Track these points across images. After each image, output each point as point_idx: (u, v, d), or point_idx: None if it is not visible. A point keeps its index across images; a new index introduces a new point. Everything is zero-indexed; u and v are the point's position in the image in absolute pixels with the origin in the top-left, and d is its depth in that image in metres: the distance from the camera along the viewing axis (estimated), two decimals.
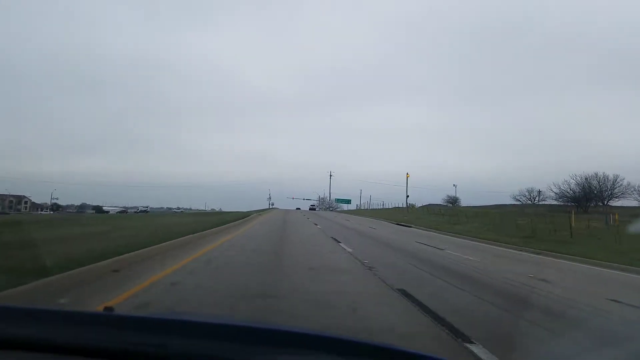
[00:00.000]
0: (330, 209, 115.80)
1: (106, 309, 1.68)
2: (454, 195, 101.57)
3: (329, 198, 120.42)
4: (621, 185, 68.71)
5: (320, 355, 1.32)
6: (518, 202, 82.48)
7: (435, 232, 29.90)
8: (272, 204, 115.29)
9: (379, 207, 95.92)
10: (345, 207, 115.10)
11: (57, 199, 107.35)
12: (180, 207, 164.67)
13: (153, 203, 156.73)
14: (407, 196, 69.41)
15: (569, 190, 71.96)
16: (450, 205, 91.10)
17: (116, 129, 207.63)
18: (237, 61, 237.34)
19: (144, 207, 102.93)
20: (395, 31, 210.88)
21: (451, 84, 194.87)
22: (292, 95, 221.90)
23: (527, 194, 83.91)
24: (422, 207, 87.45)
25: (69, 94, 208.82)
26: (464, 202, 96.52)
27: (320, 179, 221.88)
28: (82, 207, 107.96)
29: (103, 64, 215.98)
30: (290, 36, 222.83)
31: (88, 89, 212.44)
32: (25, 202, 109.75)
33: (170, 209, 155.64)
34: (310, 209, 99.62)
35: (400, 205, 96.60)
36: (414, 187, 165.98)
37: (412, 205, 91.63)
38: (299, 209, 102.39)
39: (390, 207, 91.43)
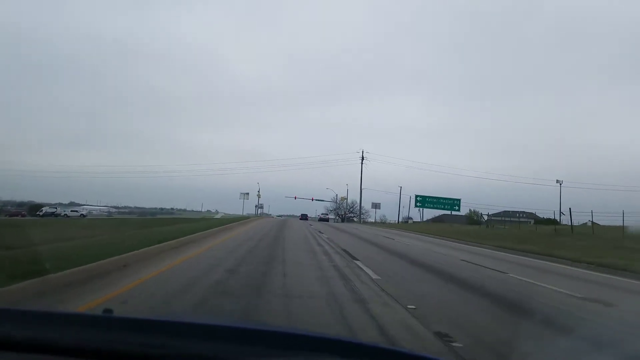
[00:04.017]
0: (350, 216, 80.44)
1: (105, 310, 1.65)
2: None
3: (359, 196, 73.86)
4: None
5: (320, 356, 1.31)
6: None
7: None
8: (261, 207, 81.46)
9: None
10: (377, 216, 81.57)
11: None
12: (175, 207, 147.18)
13: (147, 203, 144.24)
14: None
15: None
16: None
17: (101, 121, 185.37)
18: (225, 51, 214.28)
19: (51, 207, 72.96)
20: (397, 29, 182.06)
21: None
22: (287, 87, 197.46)
23: None
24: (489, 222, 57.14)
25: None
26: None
27: (331, 177, 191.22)
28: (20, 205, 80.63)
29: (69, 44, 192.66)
30: (285, 26, 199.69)
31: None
32: None
33: (162, 209, 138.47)
34: (320, 219, 66.56)
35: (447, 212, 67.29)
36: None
37: (476, 212, 61.88)
38: (306, 217, 66.82)
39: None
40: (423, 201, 59.95)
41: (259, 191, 79.11)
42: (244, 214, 72.87)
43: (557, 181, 46.53)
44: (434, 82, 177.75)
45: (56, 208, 69.47)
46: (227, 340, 1.37)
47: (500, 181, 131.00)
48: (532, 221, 54.22)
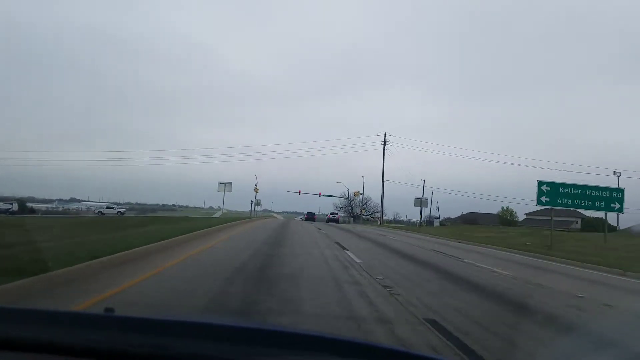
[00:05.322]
0: (365, 215, 71.78)
1: (107, 310, 1.64)
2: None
3: (381, 186, 60.22)
4: None
5: (320, 356, 1.31)
6: None
7: None
8: (259, 203, 65.15)
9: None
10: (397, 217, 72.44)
11: None
12: (177, 204, 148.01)
13: (150, 199, 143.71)
14: None
15: None
16: None
17: (100, 117, 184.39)
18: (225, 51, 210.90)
19: (7, 203, 56.63)
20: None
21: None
22: (288, 87, 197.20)
23: None
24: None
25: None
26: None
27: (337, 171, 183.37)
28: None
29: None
30: (289, 24, 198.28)
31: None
32: None
33: (164, 205, 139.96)
34: (329, 220, 57.51)
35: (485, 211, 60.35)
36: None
37: (509, 209, 56.02)
38: (313, 217, 58.75)
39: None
40: (554, 194, 25.01)
41: (256, 184, 62.44)
42: (248, 211, 63.49)
43: (615, 173, 39.45)
44: (435, 81, 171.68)
45: (12, 204, 56.40)
46: (228, 340, 1.36)
47: (540, 169, 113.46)
48: (579, 221, 47.38)
